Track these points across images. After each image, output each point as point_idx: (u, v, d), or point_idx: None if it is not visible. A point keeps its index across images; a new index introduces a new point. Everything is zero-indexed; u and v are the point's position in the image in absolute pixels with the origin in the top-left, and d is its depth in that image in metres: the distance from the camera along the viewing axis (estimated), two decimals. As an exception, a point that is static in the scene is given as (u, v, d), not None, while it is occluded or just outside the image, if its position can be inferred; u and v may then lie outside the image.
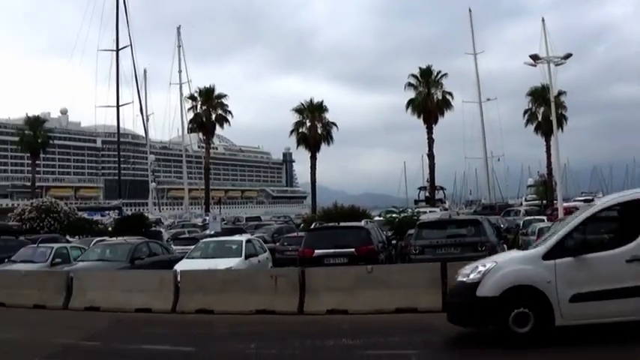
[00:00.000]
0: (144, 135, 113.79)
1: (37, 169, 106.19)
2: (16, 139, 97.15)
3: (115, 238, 34.81)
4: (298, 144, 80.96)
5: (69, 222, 48.86)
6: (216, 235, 40.30)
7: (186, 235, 44.73)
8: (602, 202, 13.31)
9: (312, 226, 26.28)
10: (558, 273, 11.75)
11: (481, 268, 12.46)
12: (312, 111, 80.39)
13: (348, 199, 67.55)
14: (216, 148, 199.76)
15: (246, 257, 24.67)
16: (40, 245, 27.74)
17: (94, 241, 32.98)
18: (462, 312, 12.55)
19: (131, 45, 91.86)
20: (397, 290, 17.06)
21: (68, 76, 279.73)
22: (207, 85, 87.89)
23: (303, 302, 17.67)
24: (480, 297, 12.05)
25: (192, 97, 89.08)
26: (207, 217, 63.82)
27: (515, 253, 14.07)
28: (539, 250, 12.41)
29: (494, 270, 12.25)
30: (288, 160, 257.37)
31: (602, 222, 12.89)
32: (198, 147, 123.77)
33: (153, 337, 14.98)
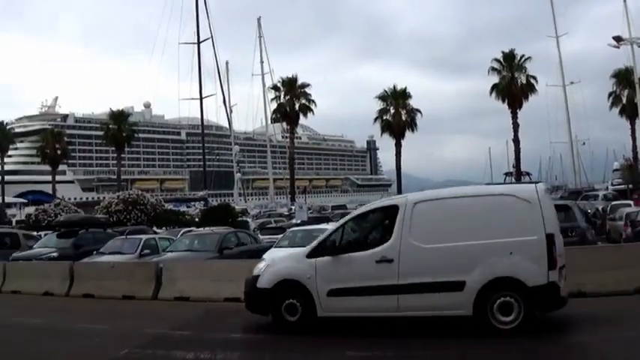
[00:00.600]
0: (227, 126, 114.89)
1: (122, 162, 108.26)
2: (101, 133, 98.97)
3: (202, 229, 35.25)
4: (382, 131, 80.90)
5: (155, 214, 49.49)
6: (303, 224, 40.21)
7: (273, 225, 44.82)
8: (363, 207, 14.96)
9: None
10: (318, 270, 13.16)
11: (261, 264, 14.58)
12: (396, 98, 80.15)
13: (432, 186, 66.99)
14: (300, 138, 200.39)
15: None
16: (128, 237, 28.03)
17: (182, 231, 33.42)
18: (248, 300, 14.44)
19: (212, 37, 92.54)
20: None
21: (150, 71, 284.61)
22: (290, 75, 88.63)
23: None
24: (259, 288, 13.92)
25: (275, 88, 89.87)
26: (293, 207, 63.94)
27: (285, 252, 16.80)
28: (305, 249, 14.03)
29: (269, 266, 14.23)
30: (372, 147, 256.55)
31: (363, 224, 14.07)
32: (282, 137, 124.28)
33: (241, 326, 14.87)
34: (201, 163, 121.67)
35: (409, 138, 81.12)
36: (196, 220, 51.26)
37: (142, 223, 45.68)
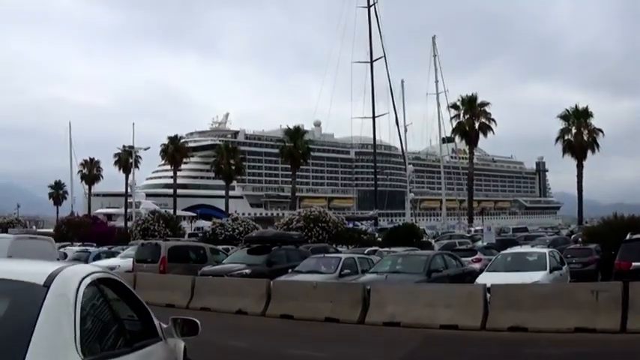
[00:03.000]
0: (396, 146, 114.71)
1: (290, 179, 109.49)
2: (272, 150, 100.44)
3: (387, 249, 34.57)
4: (564, 152, 78.50)
5: (337, 231, 48.96)
6: (491, 246, 39.27)
7: (458, 247, 43.19)
8: None
9: (628, 237, 23.86)
10: None
11: None
12: (578, 117, 77.79)
13: (601, 210, 65.08)
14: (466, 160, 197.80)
15: (551, 270, 22.78)
16: (326, 255, 27.43)
17: (366, 250, 32.78)
18: None
19: (385, 56, 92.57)
20: None
21: (318, 90, 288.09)
22: (470, 94, 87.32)
23: (626, 320, 15.94)
24: None
25: (454, 106, 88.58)
26: (472, 228, 62.30)
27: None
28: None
29: None
30: (541, 169, 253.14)
31: None
32: (451, 157, 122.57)
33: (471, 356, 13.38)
34: (370, 182, 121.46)
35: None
36: (379, 239, 50.53)
37: (323, 241, 45.52)
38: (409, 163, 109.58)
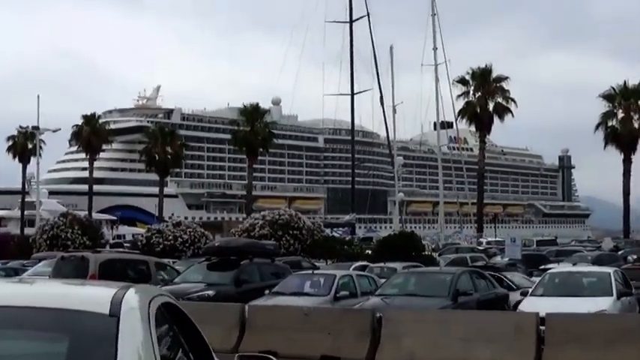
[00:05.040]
0: (381, 132, 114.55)
1: (243, 174, 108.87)
2: (216, 135, 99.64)
3: (381, 265, 36.04)
4: (607, 142, 79.03)
5: (313, 241, 48.90)
6: (513, 263, 39.90)
7: (471, 263, 43.36)
8: None
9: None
10: None
11: None
12: (627, 97, 78.25)
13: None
14: (471, 150, 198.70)
15: (619, 296, 23.04)
16: (315, 272, 27.51)
17: (353, 266, 33.53)
18: None
19: (368, 15, 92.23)
20: None
21: (282, 58, 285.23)
22: (482, 65, 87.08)
23: None
24: None
25: (462, 81, 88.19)
26: (487, 239, 62.57)
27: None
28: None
29: None
30: (565, 165, 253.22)
31: None
32: (448, 148, 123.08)
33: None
34: (344, 178, 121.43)
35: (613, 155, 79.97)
36: (368, 252, 50.60)
37: (295, 253, 45.76)
38: (398, 155, 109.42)
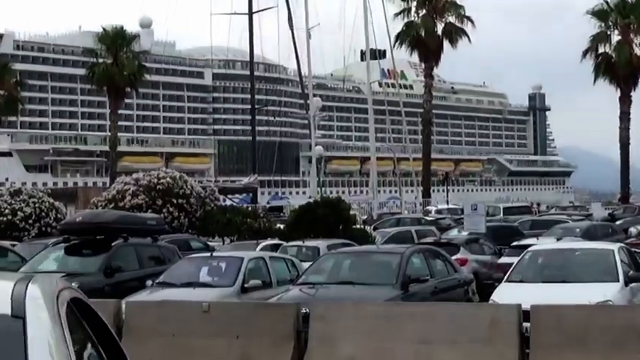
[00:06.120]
0: (289, 65, 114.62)
1: (101, 122, 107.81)
2: (64, 70, 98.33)
3: (298, 243, 37.03)
4: (597, 75, 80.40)
5: (205, 213, 49.25)
6: (476, 238, 40.18)
7: (419, 240, 43.89)
8: None
9: None
10: None
11: None
12: (625, 15, 79.09)
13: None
14: (411, 87, 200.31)
15: (627, 281, 23.29)
16: (214, 255, 27.53)
17: (260, 246, 34.88)
18: None
19: None
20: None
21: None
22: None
23: None
24: None
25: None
26: (436, 207, 63.07)
27: None
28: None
29: None
30: (537, 107, 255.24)
31: None
32: (381, 85, 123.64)
33: None
34: (240, 127, 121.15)
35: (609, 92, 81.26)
36: (280, 226, 50.90)
37: (181, 230, 46.23)
38: (314, 95, 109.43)
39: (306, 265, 28.18)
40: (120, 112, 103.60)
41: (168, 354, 20.17)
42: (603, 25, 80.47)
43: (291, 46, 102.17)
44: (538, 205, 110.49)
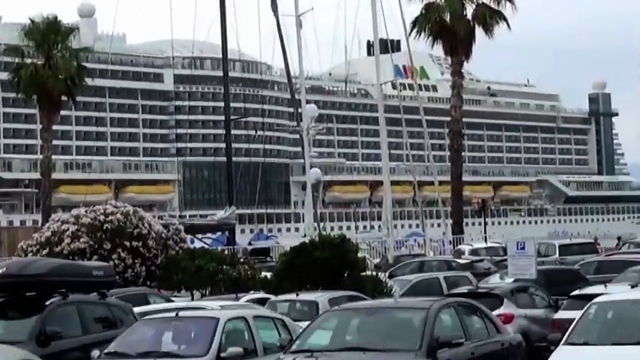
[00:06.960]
0: (275, 64, 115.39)
1: (30, 141, 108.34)
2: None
3: (288, 297, 37.68)
4: None
5: (167, 259, 49.59)
6: (527, 286, 40.98)
7: (458, 288, 44.04)
8: None
9: None
10: None
11: None
12: None
13: None
14: (434, 88, 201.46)
15: None
16: (180, 316, 27.60)
17: (243, 299, 35.36)
18: None
19: None
20: None
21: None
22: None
23: None
24: None
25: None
26: (472, 247, 63.36)
27: None
28: None
29: None
30: (600, 112, 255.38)
31: None
32: (394, 87, 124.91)
33: None
34: (207, 144, 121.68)
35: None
36: (265, 275, 51.05)
37: (136, 281, 47.26)
38: (307, 102, 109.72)
39: (301, 325, 28.10)
40: (54, 127, 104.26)
41: None
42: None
43: (276, 38, 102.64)
44: (603, 240, 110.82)
